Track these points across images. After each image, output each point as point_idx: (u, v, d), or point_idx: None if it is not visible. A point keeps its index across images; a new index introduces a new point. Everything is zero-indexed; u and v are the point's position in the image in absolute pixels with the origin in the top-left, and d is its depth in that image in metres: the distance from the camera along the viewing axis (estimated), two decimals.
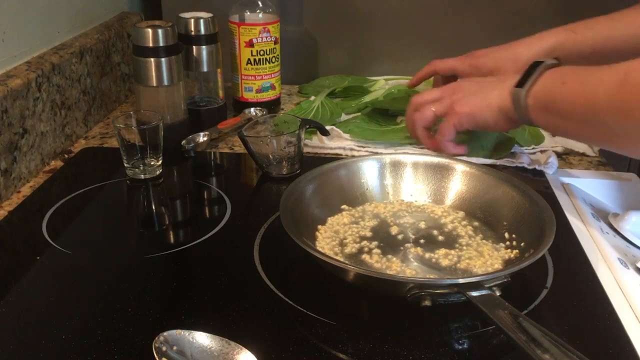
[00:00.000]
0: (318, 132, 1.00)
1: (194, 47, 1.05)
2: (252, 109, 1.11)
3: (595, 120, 0.70)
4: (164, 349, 0.54)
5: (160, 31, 0.96)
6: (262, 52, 1.10)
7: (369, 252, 0.71)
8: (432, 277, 0.67)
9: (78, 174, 0.95)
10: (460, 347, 0.60)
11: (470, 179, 0.79)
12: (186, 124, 1.02)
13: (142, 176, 0.90)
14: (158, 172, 0.91)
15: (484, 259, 0.69)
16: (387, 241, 0.73)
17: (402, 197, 0.82)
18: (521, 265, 0.61)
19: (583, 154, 1.01)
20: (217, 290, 0.67)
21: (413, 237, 0.74)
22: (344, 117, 1.11)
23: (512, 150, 0.97)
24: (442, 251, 0.71)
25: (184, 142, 0.98)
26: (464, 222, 0.76)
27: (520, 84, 0.77)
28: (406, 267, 0.68)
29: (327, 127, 1.00)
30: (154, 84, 0.98)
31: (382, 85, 1.23)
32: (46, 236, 0.76)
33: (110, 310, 0.63)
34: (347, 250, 0.72)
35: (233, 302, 0.65)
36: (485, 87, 0.85)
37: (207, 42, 1.05)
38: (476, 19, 1.23)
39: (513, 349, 0.55)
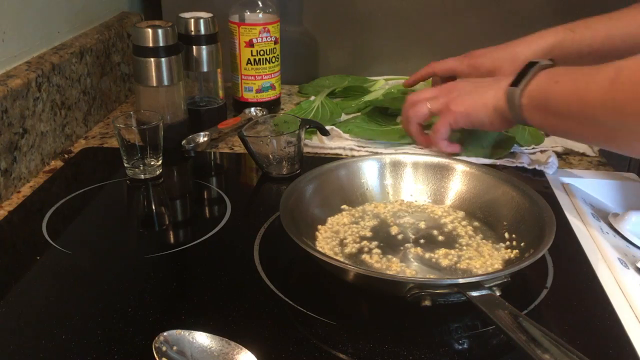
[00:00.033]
0: (318, 132, 1.00)
1: (194, 47, 1.05)
2: (252, 109, 1.11)
3: (589, 119, 0.70)
4: (164, 349, 0.54)
5: (160, 31, 0.96)
6: (262, 52, 1.10)
7: (369, 252, 0.71)
8: (432, 277, 0.67)
9: (78, 174, 0.95)
10: (460, 347, 0.60)
11: (470, 179, 0.80)
12: (186, 124, 1.02)
13: (142, 176, 0.90)
14: (158, 172, 0.91)
15: (484, 259, 0.69)
16: (387, 241, 0.73)
17: (402, 197, 0.82)
18: (521, 265, 0.61)
19: (583, 154, 1.01)
20: (217, 290, 0.67)
21: (413, 237, 0.74)
22: (344, 117, 1.11)
23: (512, 150, 0.97)
24: (442, 251, 0.71)
25: (184, 142, 0.98)
26: (464, 222, 0.76)
27: (515, 83, 0.78)
28: (406, 267, 0.68)
29: (327, 127, 1.00)
30: (154, 84, 0.98)
31: (382, 85, 1.23)
32: (46, 236, 0.76)
33: (110, 310, 0.63)
34: (347, 250, 0.72)
35: (233, 302, 0.64)
36: (481, 87, 0.85)
37: (207, 42, 1.05)
38: (476, 19, 1.23)
39: (513, 349, 0.55)
